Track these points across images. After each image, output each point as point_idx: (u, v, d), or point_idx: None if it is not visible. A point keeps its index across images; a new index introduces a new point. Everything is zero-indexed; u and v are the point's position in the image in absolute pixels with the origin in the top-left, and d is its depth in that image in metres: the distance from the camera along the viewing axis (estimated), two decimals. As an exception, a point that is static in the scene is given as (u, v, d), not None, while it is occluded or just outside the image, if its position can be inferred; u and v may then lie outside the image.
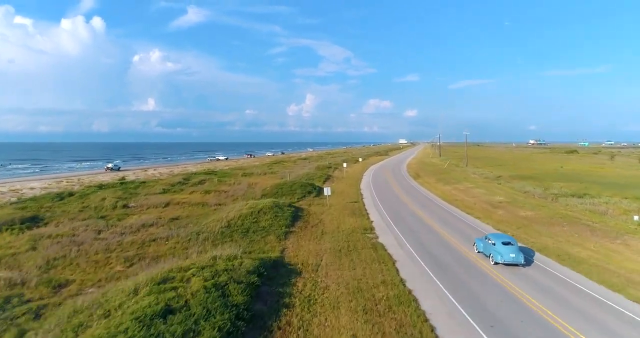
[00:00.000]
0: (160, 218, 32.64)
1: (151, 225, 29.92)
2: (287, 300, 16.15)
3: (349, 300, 16.32)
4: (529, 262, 21.39)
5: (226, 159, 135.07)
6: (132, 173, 75.64)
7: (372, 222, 31.88)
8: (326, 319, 14.63)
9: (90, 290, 17.69)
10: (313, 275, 19.35)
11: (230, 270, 16.59)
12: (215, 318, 12.51)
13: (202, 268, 16.49)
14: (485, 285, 18.12)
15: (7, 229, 27.98)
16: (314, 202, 41.06)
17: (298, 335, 13.43)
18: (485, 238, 22.59)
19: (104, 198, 40.62)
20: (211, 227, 27.89)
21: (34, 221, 31.20)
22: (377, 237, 26.92)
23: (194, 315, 12.39)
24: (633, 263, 20.81)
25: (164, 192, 47.32)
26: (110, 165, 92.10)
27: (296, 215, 33.37)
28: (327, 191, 39.92)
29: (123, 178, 61.15)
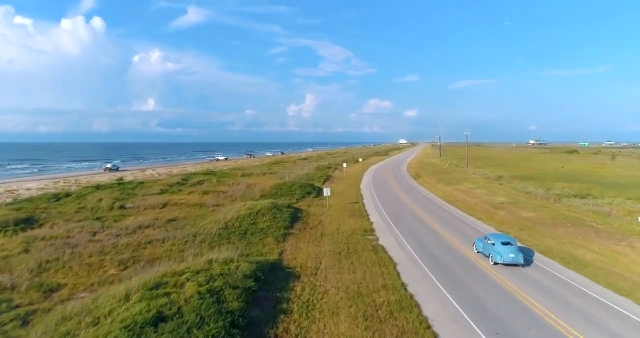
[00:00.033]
0: (157, 219, 32.12)
1: (147, 226, 29.38)
2: (284, 305, 15.63)
3: (348, 305, 15.80)
4: (528, 262, 21.30)
5: (226, 159, 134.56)
6: (131, 173, 75.14)
7: (372, 223, 31.36)
8: (325, 326, 14.11)
9: (82, 295, 17.18)
10: (312, 279, 18.83)
11: (226, 274, 16.06)
12: (208, 326, 11.97)
13: (197, 272, 15.96)
14: (490, 290, 17.55)
15: (0, 231, 27.47)
16: (314, 203, 40.53)
17: (296, 343, 12.93)
18: (485, 239, 22.49)
19: (100, 199, 40.10)
20: (208, 228, 27.36)
21: (28, 222, 30.67)
22: (377, 239, 26.40)
23: (186, 323, 11.85)
24: (640, 266, 20.30)
25: (162, 192, 46.83)
26: (109, 165, 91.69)
27: (295, 216, 32.85)
28: (326, 192, 39.42)
29: (121, 178, 60.67)
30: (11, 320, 14.01)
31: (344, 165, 78.75)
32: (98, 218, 32.65)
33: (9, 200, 41.32)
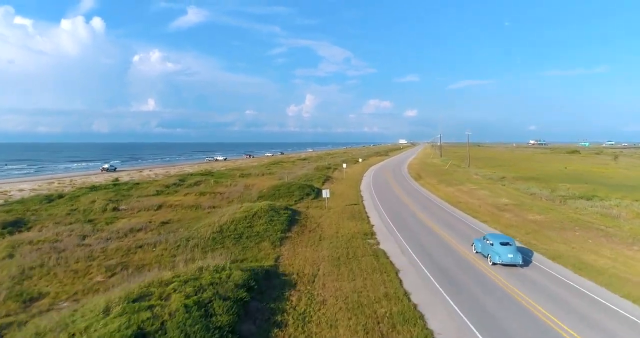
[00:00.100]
0: (151, 222, 31.07)
1: (139, 229, 28.32)
2: (279, 317, 14.53)
3: (347, 317, 14.69)
4: (527, 262, 20.98)
5: (225, 159, 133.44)
6: (127, 174, 74.04)
7: (372, 226, 30.27)
8: (322, 341, 13.03)
9: (64, 304, 16.11)
10: (309, 288, 17.73)
11: (217, 284, 14.96)
12: (194, 343, 10.91)
13: (186, 281, 14.87)
14: (504, 305, 16.13)
15: (-14, 234, 26.40)
16: (312, 205, 39.45)
17: (290, 361, 11.84)
18: (484, 239, 22.26)
19: (94, 201, 39.06)
20: (202, 232, 26.28)
21: (16, 225, 29.62)
22: (378, 243, 25.30)
23: (169, 341, 10.79)
24: (656, 274, 19.19)
25: (158, 193, 45.81)
26: (106, 165, 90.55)
27: (293, 218, 31.76)
28: (325, 193, 38.35)
29: (117, 179, 59.64)
30: (-18, 335, 12.94)
31: (344, 165, 77.68)
32: (90, 221, 31.60)
33: (0, 202, 40.22)
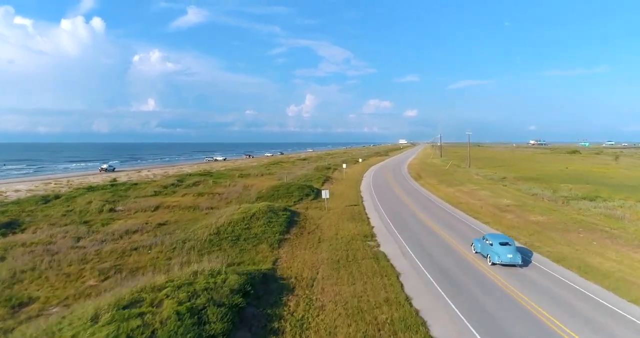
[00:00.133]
0: (147, 223, 30.58)
1: (135, 231, 27.84)
2: (276, 324, 14.01)
3: (347, 324, 14.17)
4: (526, 262, 20.83)
5: (224, 159, 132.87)
6: (126, 174, 73.49)
7: (372, 227, 29.74)
8: (320, 349, 12.52)
9: (54, 310, 15.60)
10: (307, 292, 17.20)
11: (212, 289, 14.44)
12: (186, 353, 10.40)
13: (179, 287, 14.34)
14: (512, 313, 15.65)
15: (-22, 236, 25.88)
16: (312, 206, 38.92)
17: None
18: (483, 239, 22.18)
19: (90, 202, 38.55)
20: (199, 234, 25.75)
21: (10, 227, 29.15)
22: (378, 246, 24.78)
23: (160, 351, 10.28)
24: (664, 277, 18.67)
25: (155, 194, 45.30)
26: (104, 166, 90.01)
27: (292, 220, 31.23)
28: (325, 194, 37.84)
29: (114, 179, 59.10)
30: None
31: (344, 165, 77.19)
32: (85, 222, 31.11)
33: (-5, 202, 39.68)
